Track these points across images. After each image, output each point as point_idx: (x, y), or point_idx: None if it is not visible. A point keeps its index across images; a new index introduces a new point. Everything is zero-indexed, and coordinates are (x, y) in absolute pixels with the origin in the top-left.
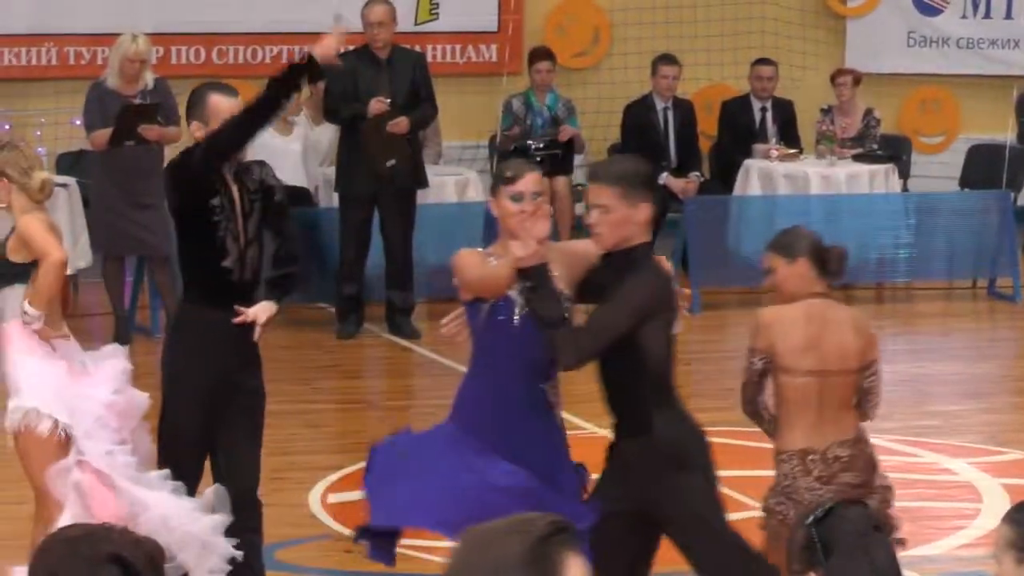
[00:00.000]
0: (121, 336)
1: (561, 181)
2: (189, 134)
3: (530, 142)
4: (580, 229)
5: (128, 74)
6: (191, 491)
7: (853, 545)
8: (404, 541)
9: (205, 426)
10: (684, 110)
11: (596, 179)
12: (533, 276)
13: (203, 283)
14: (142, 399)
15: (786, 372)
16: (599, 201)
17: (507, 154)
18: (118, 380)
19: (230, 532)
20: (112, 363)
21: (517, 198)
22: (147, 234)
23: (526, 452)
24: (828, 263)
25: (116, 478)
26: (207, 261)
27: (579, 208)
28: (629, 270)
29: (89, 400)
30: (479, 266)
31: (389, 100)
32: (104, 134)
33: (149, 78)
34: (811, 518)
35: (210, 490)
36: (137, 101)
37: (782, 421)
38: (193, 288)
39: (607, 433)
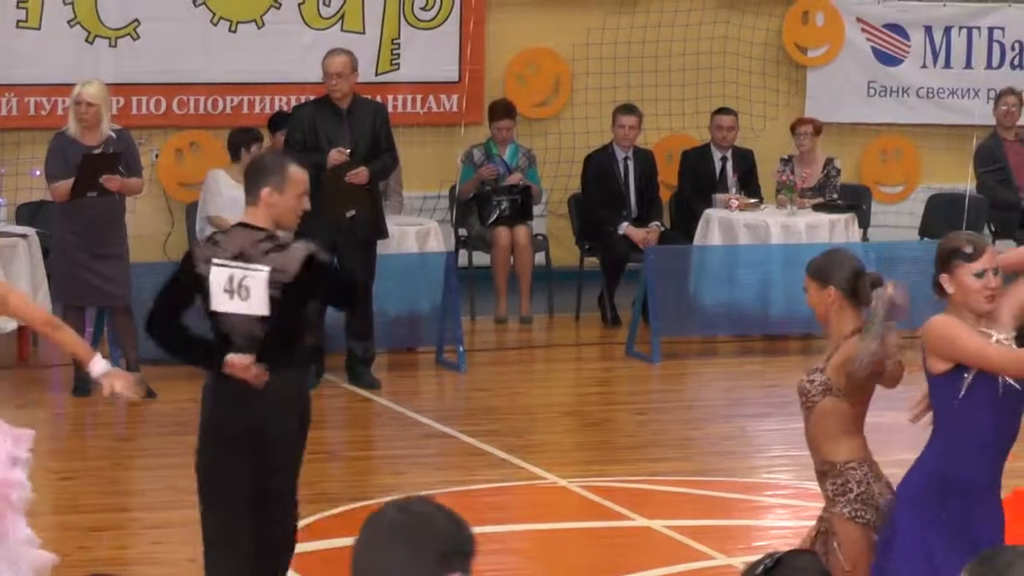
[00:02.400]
0: (81, 387)
1: (522, 230)
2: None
3: (488, 188)
4: (539, 278)
5: (82, 119)
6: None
7: None
8: None
9: None
10: (644, 160)
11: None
12: None
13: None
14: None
15: (857, 395)
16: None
17: (467, 202)
18: None
19: None
20: None
21: (980, 274)
22: (108, 284)
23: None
24: (859, 291)
25: None
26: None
27: (539, 257)
28: None
29: None
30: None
31: (349, 151)
32: (65, 185)
33: (109, 128)
34: (761, 568)
35: None
36: (98, 151)
37: (848, 433)
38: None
39: (567, 484)
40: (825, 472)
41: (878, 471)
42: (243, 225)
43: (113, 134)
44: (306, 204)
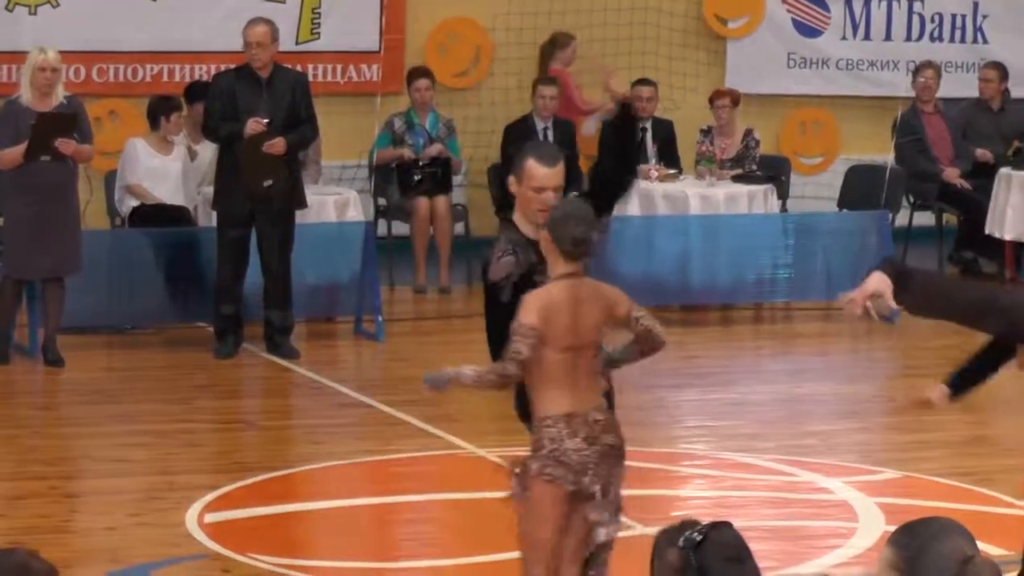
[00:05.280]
0: (1, 355)
1: (441, 200)
2: None
3: (409, 156)
4: (458, 248)
5: (40, 85)
6: None
7: (728, 571)
8: (284, 561)
9: None
10: (564, 130)
11: None
12: None
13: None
14: None
15: (548, 347)
16: None
17: (386, 172)
18: None
19: None
20: None
21: None
22: (60, 255)
23: None
24: (561, 242)
25: None
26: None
27: (458, 227)
28: None
29: None
30: None
31: (267, 120)
32: (16, 151)
33: (61, 93)
34: (683, 541)
35: None
36: None
37: (542, 389)
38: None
39: (485, 453)
40: (534, 425)
41: (582, 424)
42: None
43: (64, 100)
44: (545, 198)
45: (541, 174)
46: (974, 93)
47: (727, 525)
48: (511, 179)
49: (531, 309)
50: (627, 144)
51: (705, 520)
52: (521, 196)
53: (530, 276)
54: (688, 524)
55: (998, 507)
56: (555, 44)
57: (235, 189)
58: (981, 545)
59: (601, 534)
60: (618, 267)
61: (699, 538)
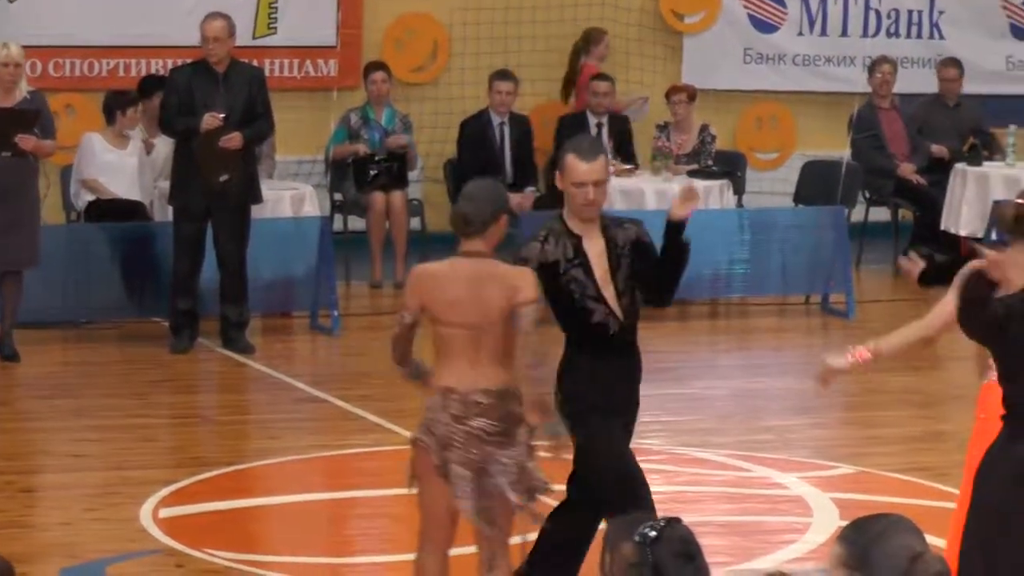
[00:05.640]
0: None
1: (397, 195)
2: None
3: (365, 151)
4: (414, 244)
5: (3, 80)
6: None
7: (681, 569)
8: (239, 556)
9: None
10: (520, 125)
11: None
12: None
13: (580, 336)
14: None
15: (438, 322)
16: None
17: (343, 167)
18: None
19: None
20: None
21: None
22: (17, 251)
23: None
24: (451, 220)
25: None
26: (577, 319)
27: (414, 222)
28: None
29: None
30: None
31: (223, 115)
32: None
33: (25, 89)
34: (639, 535)
35: None
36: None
37: (436, 359)
38: (574, 337)
39: None
40: None
41: (457, 401)
42: None
43: (28, 95)
44: (586, 195)
45: (581, 169)
46: (931, 89)
47: (679, 521)
48: (557, 174)
49: (410, 288)
50: (674, 271)
51: (659, 515)
52: (564, 191)
53: (555, 265)
54: (641, 518)
55: (953, 503)
56: (589, 40)
57: (191, 184)
58: (936, 541)
59: (485, 528)
60: None
61: (655, 534)
